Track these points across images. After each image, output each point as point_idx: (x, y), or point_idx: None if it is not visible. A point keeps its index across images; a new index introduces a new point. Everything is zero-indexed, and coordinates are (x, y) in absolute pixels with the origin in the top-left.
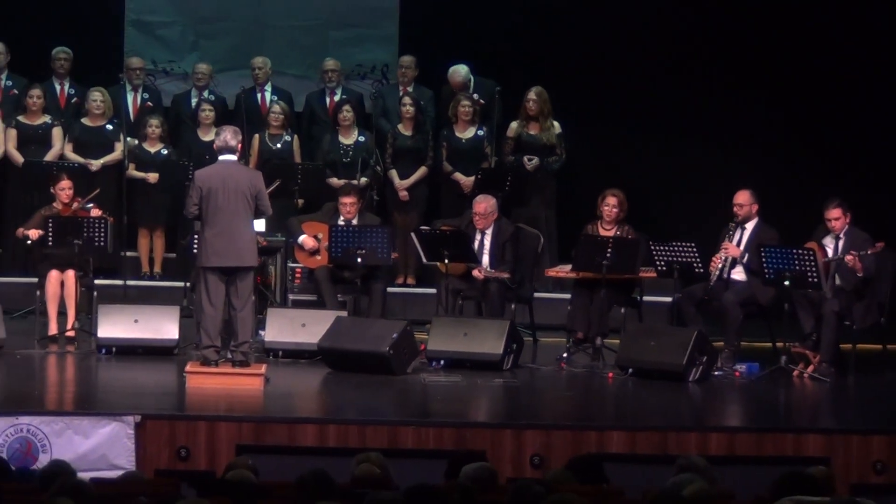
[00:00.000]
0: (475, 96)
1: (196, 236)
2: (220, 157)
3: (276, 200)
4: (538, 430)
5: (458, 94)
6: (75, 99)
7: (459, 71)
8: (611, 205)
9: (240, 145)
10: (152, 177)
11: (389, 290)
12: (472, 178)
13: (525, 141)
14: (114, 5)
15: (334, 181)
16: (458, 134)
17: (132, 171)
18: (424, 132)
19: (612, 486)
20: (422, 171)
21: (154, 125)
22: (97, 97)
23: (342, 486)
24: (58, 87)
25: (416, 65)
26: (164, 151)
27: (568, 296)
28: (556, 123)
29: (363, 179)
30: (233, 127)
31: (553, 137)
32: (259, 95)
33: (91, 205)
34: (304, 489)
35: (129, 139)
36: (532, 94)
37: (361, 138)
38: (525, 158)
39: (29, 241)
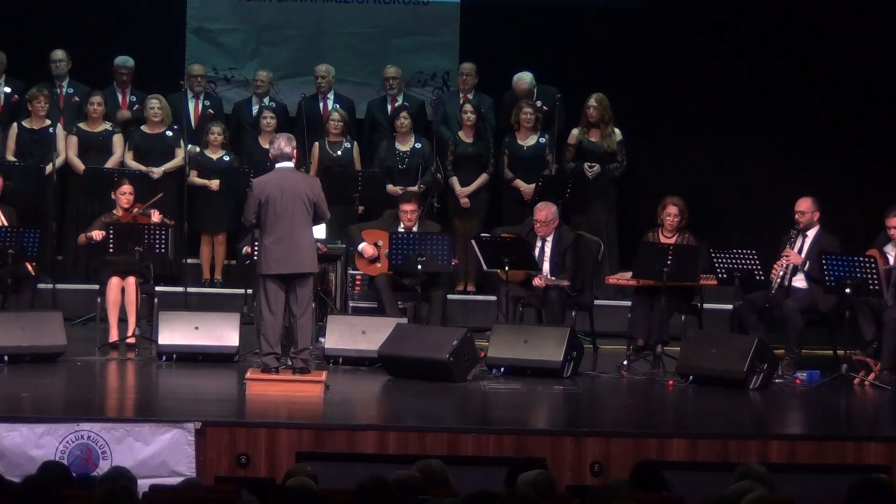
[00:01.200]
0: (538, 103)
1: (256, 243)
2: (277, 165)
3: (336, 207)
4: (598, 437)
5: (521, 101)
6: (137, 106)
7: (524, 78)
8: (672, 214)
9: (295, 151)
10: (214, 184)
11: (450, 297)
12: (533, 186)
13: (586, 148)
14: (175, 13)
15: (391, 188)
16: (519, 141)
17: (194, 178)
18: (485, 139)
19: (672, 493)
20: (483, 178)
21: (216, 132)
22: (155, 104)
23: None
24: (119, 96)
25: (477, 72)
26: (226, 158)
27: (628, 303)
28: (617, 130)
29: (421, 186)
30: (286, 134)
31: (614, 144)
32: (321, 103)
33: (152, 209)
34: (363, 496)
35: (190, 146)
36: (593, 101)
37: (418, 145)
38: (586, 165)
39: (93, 241)
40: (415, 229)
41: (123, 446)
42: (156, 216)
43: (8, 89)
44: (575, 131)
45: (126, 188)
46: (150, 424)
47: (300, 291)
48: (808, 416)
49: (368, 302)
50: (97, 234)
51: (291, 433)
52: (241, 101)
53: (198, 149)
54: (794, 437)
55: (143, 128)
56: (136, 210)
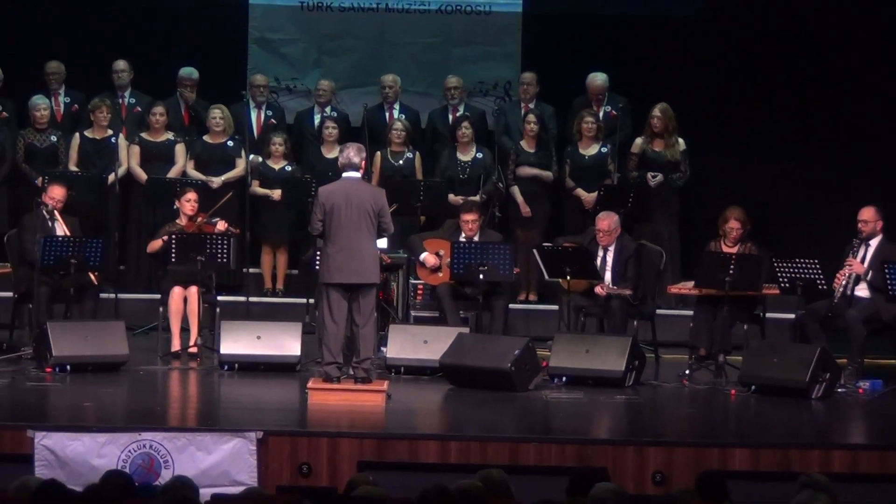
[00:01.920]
0: (608, 108)
1: (318, 252)
2: (344, 174)
3: (398, 217)
4: (660, 447)
5: (582, 110)
6: (194, 113)
7: (598, 77)
8: (734, 228)
9: (363, 162)
10: (276, 193)
11: (511, 306)
12: (595, 195)
13: (649, 157)
14: (237, 23)
15: (452, 198)
16: (581, 150)
17: (256, 188)
18: (547, 149)
19: (734, 503)
20: (546, 175)
21: (278, 142)
22: (216, 114)
23: None
24: (182, 105)
25: (538, 81)
26: (289, 168)
27: (690, 312)
28: (680, 140)
29: (482, 196)
30: (357, 144)
31: (677, 154)
32: (387, 113)
33: (217, 218)
34: None
35: (252, 156)
36: (657, 111)
37: (479, 155)
38: (649, 175)
39: (165, 240)
40: (476, 239)
41: (185, 455)
42: (221, 225)
43: (68, 99)
44: (638, 140)
45: (191, 195)
46: (211, 434)
47: (362, 301)
48: (870, 426)
49: (430, 311)
50: (161, 241)
51: (353, 442)
52: (303, 111)
53: (260, 159)
54: (856, 447)
55: (204, 137)
56: (200, 219)
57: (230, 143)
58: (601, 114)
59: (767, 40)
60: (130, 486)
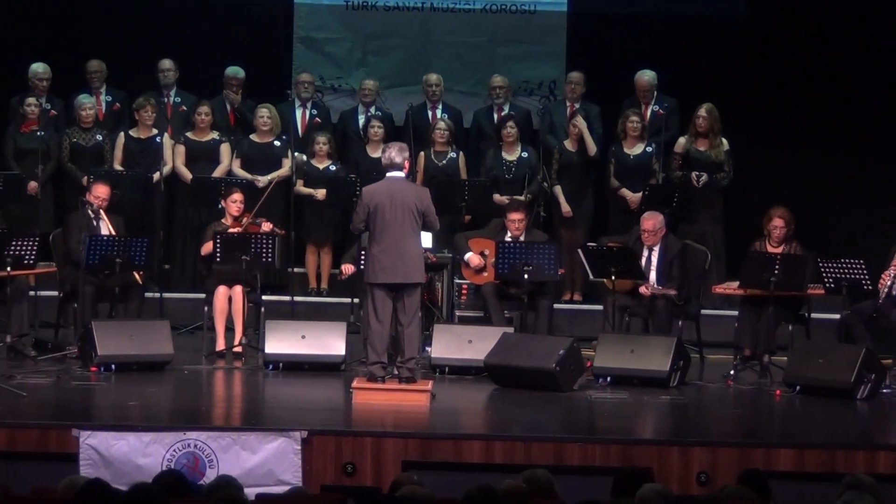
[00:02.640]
0: (656, 107)
1: (363, 252)
2: (388, 174)
3: (442, 217)
4: (705, 447)
5: (627, 110)
6: (242, 115)
7: (645, 74)
8: (778, 227)
9: (407, 162)
10: (320, 193)
11: (556, 306)
12: (640, 195)
13: (693, 157)
14: (283, 22)
15: (497, 197)
16: (625, 150)
17: (300, 188)
18: (580, 128)
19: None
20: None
21: (322, 142)
22: (264, 113)
23: None
24: (228, 105)
25: (584, 81)
26: (333, 168)
27: (735, 313)
28: (724, 140)
29: (528, 195)
30: (399, 143)
31: (721, 154)
32: (430, 112)
33: (262, 219)
34: None
35: (297, 154)
36: (703, 111)
37: (524, 154)
38: (693, 175)
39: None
40: (522, 238)
41: (230, 455)
42: (266, 226)
43: (109, 98)
44: (682, 140)
45: (237, 196)
46: (256, 433)
47: (407, 301)
48: None
49: (475, 311)
50: (208, 247)
51: (398, 442)
52: (347, 111)
53: (304, 158)
54: None
55: (252, 137)
56: (245, 219)
57: (277, 143)
58: (649, 113)
59: (812, 40)
60: (181, 484)
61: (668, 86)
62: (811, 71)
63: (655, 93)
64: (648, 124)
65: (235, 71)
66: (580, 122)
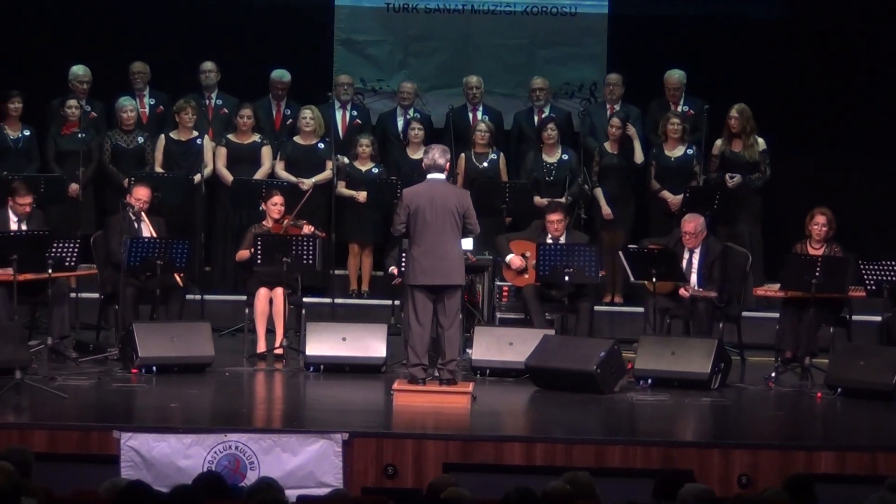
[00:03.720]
0: (685, 107)
1: (404, 255)
2: (429, 176)
3: (483, 219)
4: (746, 449)
5: (668, 112)
6: (290, 121)
7: (674, 73)
8: (819, 224)
9: (448, 164)
10: (361, 195)
11: (597, 308)
12: (681, 197)
13: (728, 158)
14: (323, 25)
15: (538, 199)
16: (666, 152)
17: (342, 189)
18: (632, 150)
19: None
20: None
21: (365, 144)
22: (307, 115)
23: None
24: (274, 108)
25: (624, 82)
26: (375, 170)
27: (776, 315)
28: (760, 140)
29: (568, 198)
30: (441, 146)
31: (756, 154)
32: (470, 114)
33: (303, 221)
34: None
35: (339, 157)
36: (734, 112)
37: (565, 157)
38: (727, 176)
39: (252, 251)
40: (562, 240)
41: (271, 457)
42: (307, 229)
43: (153, 100)
44: (718, 142)
45: (277, 199)
46: (297, 435)
47: (448, 303)
48: None
49: (515, 313)
50: (244, 254)
51: (438, 444)
52: (386, 113)
53: (346, 160)
54: None
55: (295, 139)
56: (286, 221)
57: (321, 146)
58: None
59: (853, 41)
60: (222, 487)
61: (709, 87)
62: (852, 72)
63: (684, 94)
64: None
65: (280, 74)
66: (632, 130)
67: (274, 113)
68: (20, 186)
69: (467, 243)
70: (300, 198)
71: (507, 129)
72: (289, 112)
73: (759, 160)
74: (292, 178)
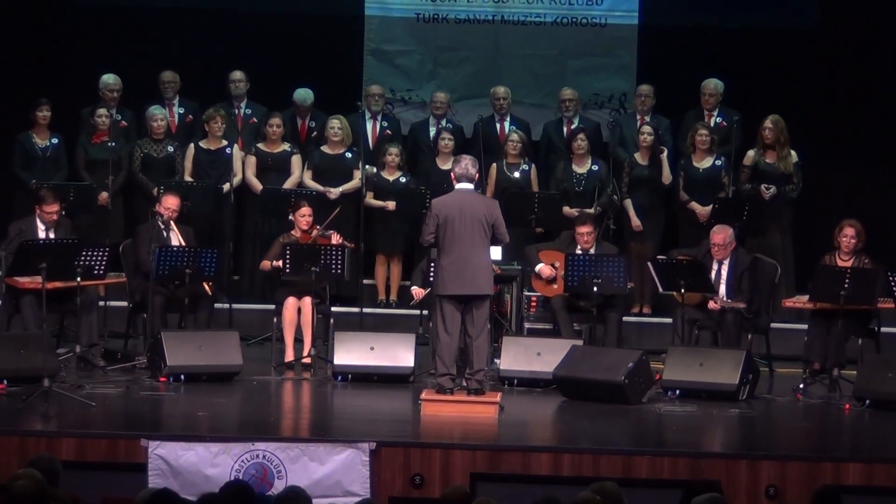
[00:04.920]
0: (718, 119)
1: (433, 264)
2: (458, 186)
3: (512, 229)
4: (774, 460)
5: (696, 123)
6: (314, 133)
7: (710, 82)
8: (849, 236)
9: (477, 174)
10: (390, 204)
11: (625, 319)
12: (709, 208)
13: (762, 169)
14: (353, 35)
15: (567, 210)
16: (695, 163)
17: (370, 200)
18: (661, 161)
19: None
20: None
21: (393, 153)
22: (335, 124)
23: None
24: (299, 121)
25: (654, 93)
26: (402, 180)
27: (805, 326)
28: (793, 152)
29: (598, 208)
30: (471, 156)
31: (790, 166)
32: (498, 125)
33: (331, 231)
34: None
35: (367, 167)
36: (768, 123)
37: (595, 167)
38: (763, 187)
39: (274, 264)
40: (592, 251)
41: (298, 466)
42: (336, 238)
43: (182, 110)
44: (751, 153)
45: (305, 210)
46: (325, 444)
47: (476, 313)
48: None
49: (544, 323)
50: (267, 265)
51: (466, 454)
52: (419, 123)
53: (374, 169)
54: None
55: (323, 148)
56: (314, 232)
57: (348, 155)
58: (712, 123)
59: (884, 52)
60: (249, 497)
61: (740, 97)
62: (883, 83)
63: (719, 106)
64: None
65: (304, 98)
66: (662, 156)
67: (299, 125)
68: (47, 195)
69: (496, 252)
70: (328, 207)
71: (535, 139)
72: (313, 124)
73: (792, 172)
74: (320, 188)
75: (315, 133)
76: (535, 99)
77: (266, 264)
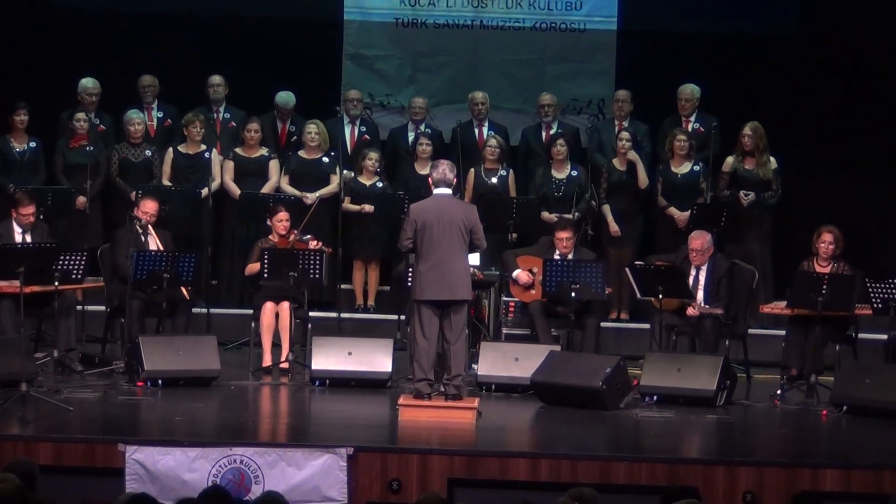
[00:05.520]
0: (696, 125)
1: (410, 268)
2: (436, 191)
3: (490, 235)
4: (751, 466)
5: (675, 128)
6: (294, 137)
7: (687, 87)
8: (826, 242)
9: (455, 179)
10: (367, 207)
11: (603, 324)
12: (688, 213)
13: (741, 176)
14: (332, 40)
15: (546, 215)
16: (673, 169)
17: (347, 205)
18: (636, 163)
19: None
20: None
21: (373, 158)
22: (312, 129)
23: None
24: (279, 125)
25: (632, 99)
26: (380, 185)
27: (782, 332)
28: (772, 159)
29: (576, 214)
30: (449, 161)
31: (769, 173)
32: (476, 130)
33: (309, 236)
34: None
35: (345, 171)
36: (747, 130)
37: (574, 173)
38: (741, 193)
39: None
40: (570, 257)
41: (276, 471)
42: (314, 244)
43: (161, 114)
44: (730, 159)
45: (283, 215)
46: (302, 449)
47: (454, 318)
48: None
49: (521, 329)
50: (253, 268)
51: (443, 459)
52: (397, 128)
53: (352, 174)
54: None
55: (300, 153)
56: (292, 237)
57: (325, 160)
58: (690, 129)
59: (863, 59)
60: (227, 502)
61: (718, 104)
62: (861, 90)
63: (696, 111)
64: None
65: (286, 101)
66: (634, 156)
67: (279, 129)
68: (23, 197)
69: (474, 258)
70: (305, 212)
71: (514, 144)
72: (293, 129)
73: (771, 178)
74: (297, 193)
75: (295, 137)
76: (514, 104)
77: (254, 267)
